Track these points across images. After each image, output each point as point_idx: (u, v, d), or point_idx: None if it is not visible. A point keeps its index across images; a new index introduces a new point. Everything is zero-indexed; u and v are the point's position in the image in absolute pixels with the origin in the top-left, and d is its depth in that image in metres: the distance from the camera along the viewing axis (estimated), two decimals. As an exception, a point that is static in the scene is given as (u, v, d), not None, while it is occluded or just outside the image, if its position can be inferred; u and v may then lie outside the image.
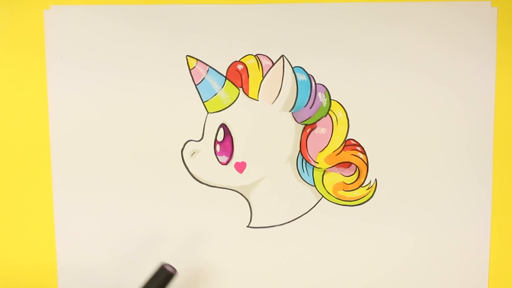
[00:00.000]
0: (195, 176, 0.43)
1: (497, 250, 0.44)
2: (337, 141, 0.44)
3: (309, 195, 0.44)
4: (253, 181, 0.44)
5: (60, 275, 0.43)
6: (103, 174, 0.43)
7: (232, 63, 0.43)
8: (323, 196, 0.44)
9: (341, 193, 0.44)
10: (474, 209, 0.44)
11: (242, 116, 0.43)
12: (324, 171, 0.44)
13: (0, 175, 0.43)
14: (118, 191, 0.43)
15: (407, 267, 0.44)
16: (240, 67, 0.43)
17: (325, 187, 0.44)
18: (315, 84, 0.43)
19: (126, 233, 0.43)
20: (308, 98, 0.43)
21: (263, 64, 0.43)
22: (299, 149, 0.44)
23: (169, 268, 0.39)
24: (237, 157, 0.43)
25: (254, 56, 0.43)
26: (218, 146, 0.43)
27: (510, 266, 0.44)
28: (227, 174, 0.43)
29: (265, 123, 0.43)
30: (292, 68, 0.43)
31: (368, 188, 0.44)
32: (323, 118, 0.44)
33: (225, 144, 0.43)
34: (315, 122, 0.44)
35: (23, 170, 0.42)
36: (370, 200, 0.44)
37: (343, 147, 0.44)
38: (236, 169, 0.44)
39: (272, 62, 0.43)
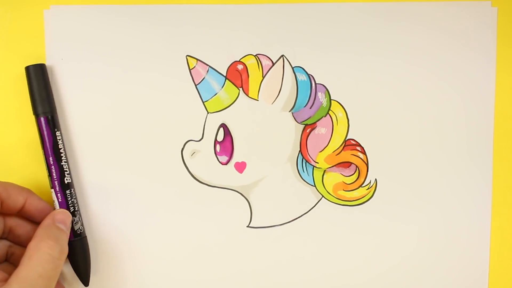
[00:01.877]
0: (195, 176, 0.43)
1: (497, 248, 0.44)
2: (337, 141, 0.44)
3: (309, 195, 0.44)
4: (253, 181, 0.44)
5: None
6: (102, 174, 0.43)
7: (232, 63, 0.43)
8: (323, 196, 0.44)
9: (341, 193, 0.44)
10: (475, 208, 0.44)
11: (242, 116, 0.43)
12: (324, 171, 0.44)
13: None
14: (117, 191, 0.43)
15: (408, 266, 0.44)
16: (240, 67, 0.43)
17: (325, 187, 0.44)
18: (315, 84, 0.43)
19: (124, 233, 0.43)
20: (308, 98, 0.43)
21: (263, 64, 0.43)
22: (299, 149, 0.44)
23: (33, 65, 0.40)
24: (237, 157, 0.44)
25: (254, 56, 0.43)
26: (218, 146, 0.43)
27: (510, 262, 0.44)
28: (227, 174, 0.43)
29: (265, 123, 0.43)
30: (292, 68, 0.43)
31: (368, 188, 0.44)
32: (323, 118, 0.44)
33: (225, 144, 0.43)
34: (315, 122, 0.44)
35: (23, 172, 0.42)
36: (370, 200, 0.44)
37: (343, 147, 0.44)
38: (236, 169, 0.44)
39: (272, 62, 0.43)
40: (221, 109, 0.43)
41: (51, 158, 0.40)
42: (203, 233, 0.44)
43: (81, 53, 0.42)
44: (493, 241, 0.44)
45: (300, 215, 0.44)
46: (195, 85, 0.43)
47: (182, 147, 0.43)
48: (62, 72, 0.42)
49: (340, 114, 0.44)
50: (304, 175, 0.44)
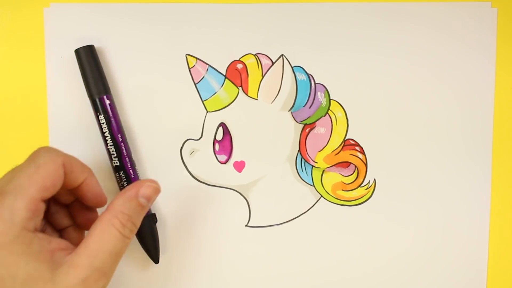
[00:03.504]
0: (193, 175, 0.43)
1: (496, 246, 0.44)
2: (336, 141, 0.44)
3: (308, 194, 0.44)
4: (252, 180, 0.44)
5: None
6: (102, 174, 0.43)
7: (231, 62, 0.43)
8: (322, 196, 0.44)
9: (340, 193, 0.44)
10: (474, 208, 0.44)
11: (241, 115, 0.43)
12: (323, 171, 0.44)
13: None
14: (116, 190, 0.43)
15: (408, 266, 0.44)
16: (239, 66, 0.43)
17: (324, 187, 0.44)
18: (315, 83, 0.43)
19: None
20: (307, 98, 0.43)
21: (263, 64, 0.43)
22: (298, 149, 0.44)
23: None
24: (236, 156, 0.44)
25: (254, 55, 0.43)
26: (217, 145, 0.43)
27: (508, 260, 0.44)
28: (226, 173, 0.43)
29: (264, 122, 0.43)
30: (292, 67, 0.43)
31: (367, 188, 0.44)
32: (322, 117, 0.44)
33: (224, 143, 0.43)
34: (314, 122, 0.44)
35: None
36: (369, 200, 0.44)
37: (342, 147, 0.44)
38: (235, 168, 0.44)
39: (272, 61, 0.43)
40: (220, 108, 0.43)
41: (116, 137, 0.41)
42: (202, 232, 0.43)
43: (81, 51, 0.42)
44: (491, 239, 0.44)
45: (298, 214, 0.44)
46: (195, 84, 0.43)
47: (181, 146, 0.43)
48: (62, 70, 0.42)
49: (340, 114, 0.44)
50: (303, 174, 0.44)
